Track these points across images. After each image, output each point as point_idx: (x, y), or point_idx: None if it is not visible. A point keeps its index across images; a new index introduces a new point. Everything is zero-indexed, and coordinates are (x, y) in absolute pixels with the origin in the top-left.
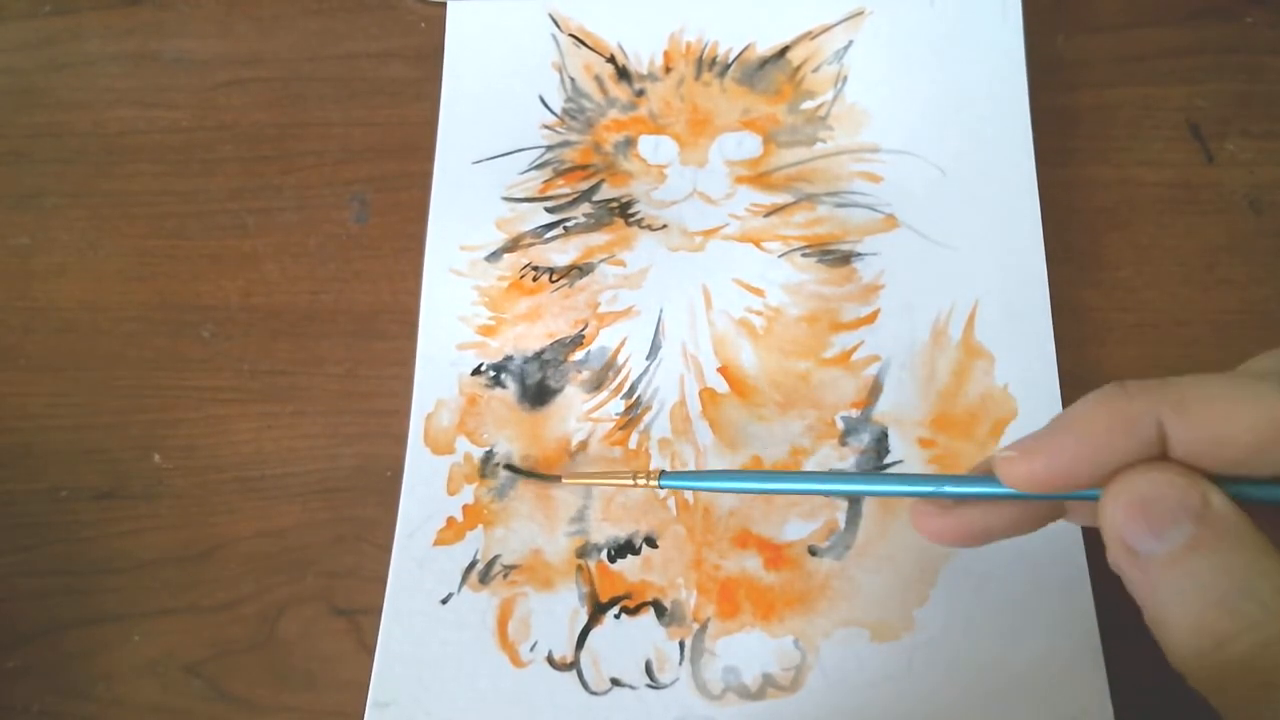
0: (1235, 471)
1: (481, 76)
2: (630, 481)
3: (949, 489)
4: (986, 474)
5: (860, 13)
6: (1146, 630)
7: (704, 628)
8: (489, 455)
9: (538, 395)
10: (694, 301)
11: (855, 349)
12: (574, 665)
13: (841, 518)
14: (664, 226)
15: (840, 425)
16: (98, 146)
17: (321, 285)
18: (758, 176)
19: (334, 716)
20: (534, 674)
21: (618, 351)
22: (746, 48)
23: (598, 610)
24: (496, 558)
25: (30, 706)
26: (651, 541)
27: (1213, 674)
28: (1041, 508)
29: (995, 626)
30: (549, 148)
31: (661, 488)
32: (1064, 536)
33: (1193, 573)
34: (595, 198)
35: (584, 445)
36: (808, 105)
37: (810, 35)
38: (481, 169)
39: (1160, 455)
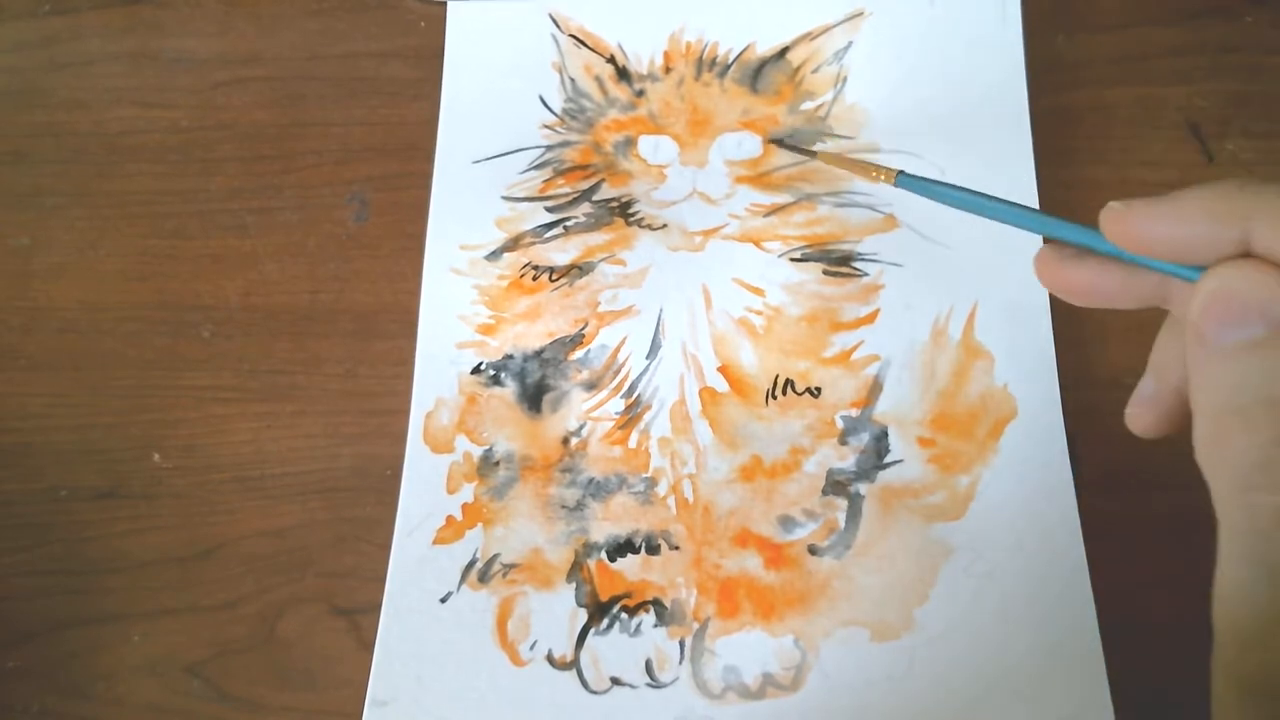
0: None
1: (481, 76)
2: (872, 176)
3: (1058, 231)
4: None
5: (860, 13)
6: (1146, 630)
7: (704, 627)
8: (488, 454)
9: (537, 394)
10: (694, 301)
11: (855, 349)
12: (574, 664)
13: (841, 518)
14: (664, 226)
15: (840, 425)
16: (98, 146)
17: (321, 285)
18: (758, 176)
19: (334, 716)
20: (533, 673)
21: (618, 350)
22: (746, 48)
23: (598, 610)
24: (496, 556)
25: (30, 706)
26: (653, 548)
27: (1216, 465)
28: (1142, 285)
29: (995, 626)
30: (549, 147)
31: (897, 185)
32: (1064, 536)
33: (1241, 369)
34: (595, 197)
35: (584, 444)
36: (808, 106)
37: (810, 36)
38: (481, 168)
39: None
